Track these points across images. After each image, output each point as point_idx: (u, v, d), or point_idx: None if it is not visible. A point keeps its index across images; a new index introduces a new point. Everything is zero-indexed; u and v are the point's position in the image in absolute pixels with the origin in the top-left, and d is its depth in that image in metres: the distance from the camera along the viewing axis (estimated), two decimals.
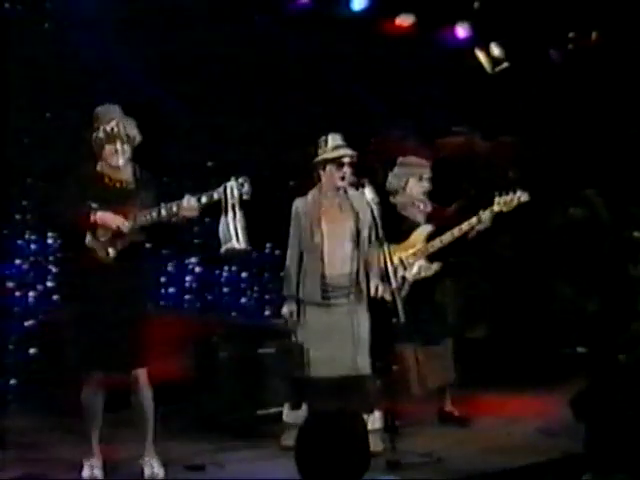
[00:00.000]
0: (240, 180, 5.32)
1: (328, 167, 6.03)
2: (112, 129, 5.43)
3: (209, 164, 8.26)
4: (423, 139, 8.58)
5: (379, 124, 8.69)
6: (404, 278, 6.58)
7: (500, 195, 6.60)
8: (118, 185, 5.48)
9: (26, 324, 7.45)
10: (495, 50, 9.33)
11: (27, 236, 7.56)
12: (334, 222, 6.03)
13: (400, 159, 6.94)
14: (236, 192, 5.29)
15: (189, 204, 5.35)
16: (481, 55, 9.36)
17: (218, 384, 6.80)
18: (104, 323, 5.36)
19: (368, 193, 5.79)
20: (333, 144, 6.06)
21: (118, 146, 5.44)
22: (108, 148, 5.45)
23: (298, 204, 6.14)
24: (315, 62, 8.53)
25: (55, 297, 7.31)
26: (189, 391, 6.89)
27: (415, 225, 6.76)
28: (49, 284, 7.52)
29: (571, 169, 8.57)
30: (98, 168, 5.50)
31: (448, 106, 8.94)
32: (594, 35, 8.92)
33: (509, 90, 9.10)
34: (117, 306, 5.39)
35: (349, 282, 5.97)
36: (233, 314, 8.45)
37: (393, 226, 6.14)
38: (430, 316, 6.65)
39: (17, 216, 7.52)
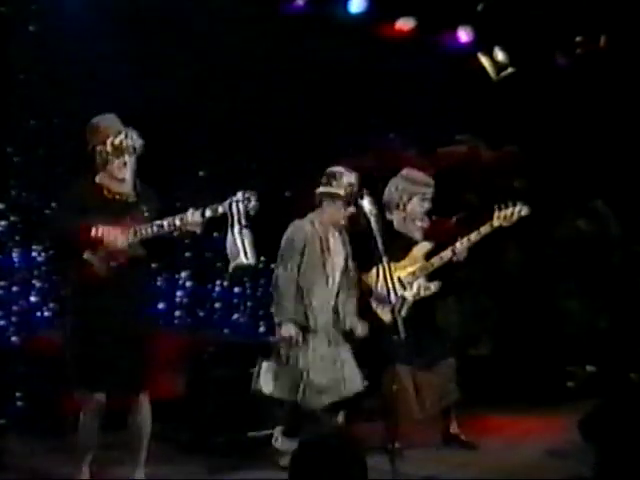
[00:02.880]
0: (247, 194, 5.32)
1: (337, 202, 6.22)
2: (121, 142, 5.42)
3: (202, 174, 8.28)
4: (424, 148, 8.60)
5: (378, 133, 8.69)
6: (403, 298, 6.51)
7: (500, 209, 6.57)
8: (118, 197, 5.48)
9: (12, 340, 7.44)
10: (499, 55, 9.36)
11: (12, 250, 7.56)
12: (337, 255, 6.32)
13: (404, 172, 6.83)
14: (242, 206, 5.29)
15: (193, 218, 5.34)
16: (484, 60, 9.39)
17: (209, 404, 6.79)
18: (104, 341, 5.36)
19: (367, 205, 5.80)
20: (348, 182, 6.21)
21: (126, 159, 5.44)
22: (117, 162, 5.44)
23: (301, 227, 6.28)
24: (310, 68, 8.54)
25: (39, 314, 7.32)
26: (179, 411, 6.87)
27: (412, 242, 6.71)
28: (33, 299, 7.53)
29: (578, 179, 8.59)
30: (97, 180, 5.48)
31: (450, 114, 8.95)
32: (603, 39, 8.94)
33: (514, 97, 9.12)
34: (117, 323, 5.38)
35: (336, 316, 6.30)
36: (225, 331, 8.44)
37: (389, 243, 6.05)
38: (431, 337, 6.60)
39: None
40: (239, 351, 7.14)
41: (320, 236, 6.29)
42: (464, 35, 9.13)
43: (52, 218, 5.52)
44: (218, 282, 8.47)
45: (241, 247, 5.28)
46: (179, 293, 8.31)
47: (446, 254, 6.57)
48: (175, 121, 7.91)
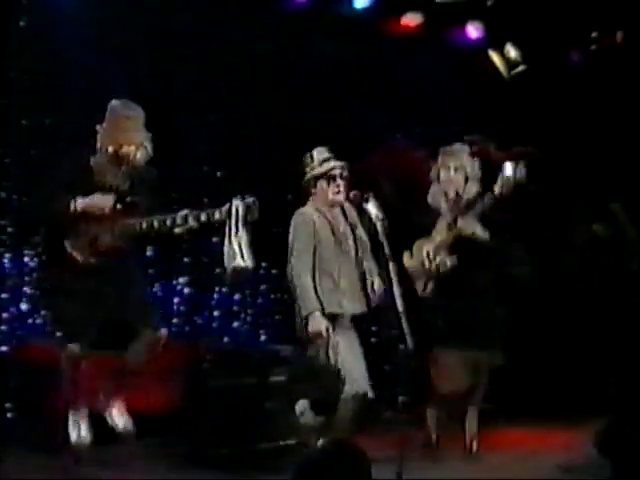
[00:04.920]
0: (247, 200, 5.26)
1: (319, 183, 6.25)
2: (115, 151, 5.39)
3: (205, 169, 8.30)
4: (432, 149, 8.58)
5: (384, 132, 8.69)
6: (429, 272, 6.73)
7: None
8: (107, 187, 5.44)
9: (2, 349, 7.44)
10: (511, 52, 9.34)
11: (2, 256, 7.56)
12: (346, 231, 6.34)
13: (441, 148, 7.08)
14: (241, 212, 5.24)
15: (186, 221, 5.29)
16: (495, 57, 9.37)
17: (208, 415, 6.78)
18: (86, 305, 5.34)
19: (372, 208, 5.81)
20: (320, 157, 6.29)
21: (119, 171, 5.42)
22: (110, 173, 5.41)
23: (307, 215, 6.29)
24: (314, 65, 8.54)
25: (30, 321, 7.32)
26: (176, 423, 6.86)
27: (439, 216, 6.84)
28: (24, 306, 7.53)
29: (594, 182, 8.57)
30: (92, 163, 5.43)
31: (459, 113, 8.94)
32: (619, 35, 8.93)
33: (526, 95, 9.11)
34: (101, 304, 5.36)
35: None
36: (225, 339, 8.43)
37: (421, 218, 6.68)
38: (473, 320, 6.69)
39: None
40: (239, 360, 7.14)
41: (327, 218, 6.31)
42: (474, 31, 9.11)
43: (39, 197, 5.45)
44: (217, 288, 8.46)
45: (237, 249, 5.25)
46: (176, 300, 8.29)
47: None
48: (175, 119, 7.92)
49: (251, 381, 6.85)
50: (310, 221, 6.27)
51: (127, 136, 5.39)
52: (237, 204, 5.24)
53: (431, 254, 6.74)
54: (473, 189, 6.90)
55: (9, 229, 7.59)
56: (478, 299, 6.74)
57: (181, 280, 8.30)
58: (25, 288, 7.47)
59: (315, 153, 6.33)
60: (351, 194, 6.07)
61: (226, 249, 5.29)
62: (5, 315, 7.51)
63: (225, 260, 5.33)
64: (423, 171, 7.44)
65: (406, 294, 6.05)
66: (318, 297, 6.16)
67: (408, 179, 8.04)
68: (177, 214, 5.31)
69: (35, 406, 6.82)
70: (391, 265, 5.65)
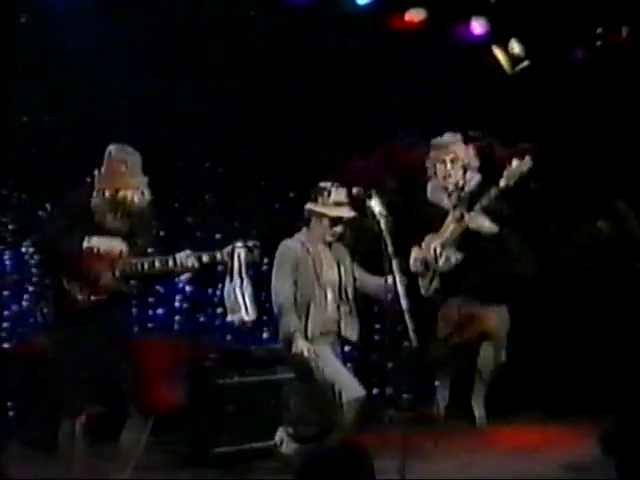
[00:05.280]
0: (249, 244, 5.27)
1: (323, 221, 6.29)
2: (112, 196, 5.37)
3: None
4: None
5: (387, 129, 8.67)
6: (434, 271, 6.82)
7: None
8: (107, 228, 5.41)
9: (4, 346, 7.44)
10: (515, 47, 9.32)
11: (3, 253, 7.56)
12: (330, 269, 6.39)
13: (432, 140, 7.08)
14: (243, 257, 5.24)
15: (187, 263, 5.30)
16: (499, 53, 9.35)
17: (211, 414, 6.78)
18: (79, 371, 5.32)
19: (375, 205, 5.79)
20: (336, 200, 6.27)
21: (117, 214, 5.39)
22: (109, 216, 5.39)
23: (290, 247, 6.37)
24: (316, 61, 8.53)
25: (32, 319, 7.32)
26: (179, 422, 6.86)
27: (443, 211, 6.82)
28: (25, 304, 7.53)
29: (598, 178, 8.55)
30: (92, 204, 5.43)
31: (463, 109, 8.92)
32: (625, 31, 8.90)
33: (530, 91, 9.09)
34: (92, 354, 5.34)
35: (337, 328, 6.38)
36: (228, 337, 8.42)
37: (422, 214, 6.75)
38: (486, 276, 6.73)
39: None
40: (242, 358, 7.13)
41: (311, 253, 6.35)
42: (478, 27, 9.09)
43: (44, 233, 5.46)
44: (219, 286, 8.43)
45: (242, 303, 5.29)
46: (178, 297, 8.29)
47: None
48: (176, 114, 7.92)
49: (254, 379, 6.86)
50: (292, 253, 6.33)
51: (123, 181, 5.38)
52: (239, 251, 5.24)
53: (438, 250, 6.74)
54: (474, 179, 6.88)
55: (10, 226, 7.59)
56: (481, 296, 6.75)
57: (182, 277, 8.28)
58: (26, 285, 7.48)
59: (333, 192, 6.29)
60: (354, 191, 6.06)
61: (228, 297, 5.32)
62: (6, 313, 7.52)
63: (227, 307, 5.37)
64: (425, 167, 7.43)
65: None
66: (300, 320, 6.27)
67: (411, 176, 8.04)
68: (178, 255, 5.31)
69: (36, 404, 6.83)
70: (395, 262, 5.64)
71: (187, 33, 8.02)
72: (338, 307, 6.36)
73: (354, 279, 6.44)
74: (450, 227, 6.78)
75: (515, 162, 6.64)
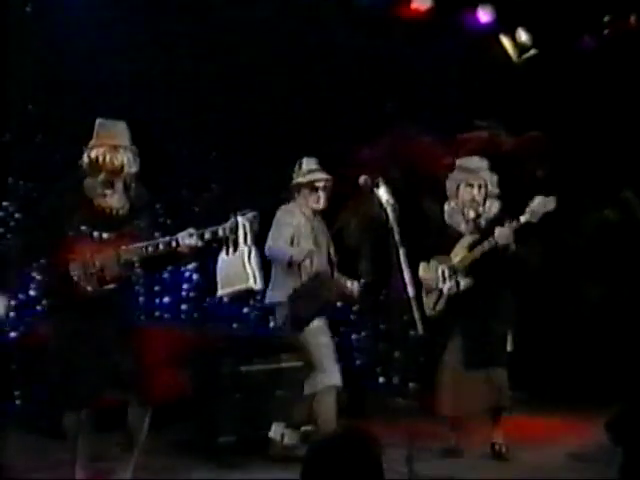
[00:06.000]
0: (249, 215, 5.26)
1: (302, 191, 6.61)
2: (97, 157, 5.37)
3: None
4: (443, 135, 8.57)
5: (395, 119, 8.67)
6: (441, 292, 6.70)
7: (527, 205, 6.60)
8: (108, 211, 5.41)
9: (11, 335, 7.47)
10: (522, 36, 9.31)
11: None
12: (322, 240, 6.65)
13: (458, 160, 6.97)
14: (248, 228, 5.24)
15: (190, 241, 5.29)
16: (506, 42, 9.34)
17: (218, 402, 6.79)
18: (84, 364, 5.33)
19: (383, 194, 5.76)
20: (307, 168, 6.67)
21: (113, 187, 5.38)
22: (107, 193, 5.38)
23: (289, 211, 6.61)
24: (322, 50, 8.53)
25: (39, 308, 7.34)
26: (185, 410, 6.88)
27: (459, 235, 6.76)
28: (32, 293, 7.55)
29: (606, 167, 8.54)
30: (85, 188, 5.42)
31: (470, 98, 8.91)
32: (633, 19, 8.89)
33: (537, 80, 9.08)
34: (98, 345, 5.35)
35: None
36: (234, 325, 8.44)
37: (438, 236, 6.71)
38: (488, 338, 6.63)
39: None
40: (248, 346, 7.15)
41: (308, 219, 6.61)
42: (484, 15, 9.08)
43: (39, 219, 5.44)
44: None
45: (251, 272, 5.27)
46: (185, 286, 8.30)
47: (486, 244, 6.59)
48: (178, 109, 7.94)
49: (260, 367, 6.87)
50: (293, 214, 6.59)
51: (112, 140, 5.36)
52: (242, 220, 5.23)
53: (446, 273, 6.70)
54: (493, 208, 6.81)
55: (16, 214, 7.61)
56: (489, 322, 6.69)
57: (189, 266, 8.32)
58: (33, 274, 7.49)
59: (304, 163, 6.68)
60: (361, 179, 6.05)
61: (232, 268, 5.29)
62: (13, 302, 7.54)
63: (230, 278, 5.35)
64: (433, 157, 7.41)
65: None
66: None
67: (418, 165, 8.04)
68: (180, 234, 5.29)
69: (42, 393, 6.85)
70: (401, 251, 5.62)
71: (189, 13, 8.04)
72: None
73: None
74: (462, 252, 6.70)
75: (538, 199, 6.54)
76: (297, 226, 6.53)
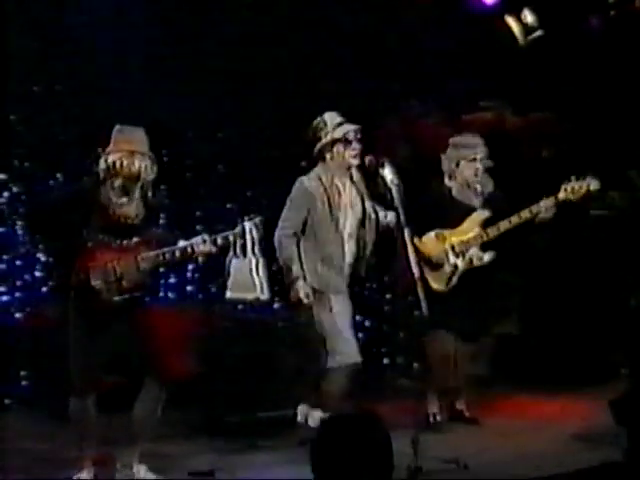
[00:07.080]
0: (256, 220, 5.34)
1: (335, 147, 6.31)
2: (114, 163, 5.38)
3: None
4: (448, 115, 8.56)
5: (398, 98, 8.66)
6: (455, 267, 6.67)
7: (568, 181, 6.62)
8: (123, 220, 5.43)
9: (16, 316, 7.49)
10: (528, 16, 9.27)
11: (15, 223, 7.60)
12: (352, 207, 6.39)
13: (451, 139, 6.96)
14: (255, 234, 5.31)
15: (205, 247, 5.38)
16: (512, 22, 9.31)
17: (224, 383, 6.82)
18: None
19: (388, 174, 5.79)
20: (334, 122, 6.34)
21: (129, 195, 5.40)
22: (123, 201, 5.40)
23: (308, 184, 6.35)
24: (328, 32, 8.52)
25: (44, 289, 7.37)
26: (192, 392, 6.91)
27: (470, 210, 6.77)
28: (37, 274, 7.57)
29: (612, 148, 8.53)
30: (101, 196, 5.44)
31: (475, 79, 8.90)
32: (639, 0, 8.85)
33: (543, 61, 9.05)
34: (118, 355, 5.41)
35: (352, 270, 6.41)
36: (240, 307, 8.46)
37: (447, 210, 6.63)
38: (483, 309, 6.67)
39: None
40: (254, 327, 7.17)
41: (328, 192, 6.36)
42: None
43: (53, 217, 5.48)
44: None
45: (258, 282, 5.36)
46: (190, 267, 8.32)
47: (504, 224, 6.61)
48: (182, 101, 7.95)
49: (265, 348, 6.90)
50: (304, 194, 6.34)
51: (129, 145, 5.38)
52: (250, 226, 5.33)
53: (457, 248, 6.68)
54: (489, 184, 6.85)
55: (22, 197, 7.62)
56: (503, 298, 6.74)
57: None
58: (39, 255, 7.51)
59: (327, 118, 6.38)
60: (366, 159, 6.06)
61: (240, 275, 5.37)
62: (18, 283, 7.57)
63: (237, 284, 5.42)
64: (439, 137, 7.40)
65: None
66: (301, 264, 6.28)
67: (424, 145, 8.03)
68: (195, 240, 5.38)
69: (48, 373, 6.88)
70: (406, 231, 5.64)
71: (196, 19, 8.04)
72: (357, 251, 6.39)
73: (376, 214, 6.40)
74: (472, 226, 6.71)
75: (581, 179, 6.59)
76: (313, 213, 6.32)
